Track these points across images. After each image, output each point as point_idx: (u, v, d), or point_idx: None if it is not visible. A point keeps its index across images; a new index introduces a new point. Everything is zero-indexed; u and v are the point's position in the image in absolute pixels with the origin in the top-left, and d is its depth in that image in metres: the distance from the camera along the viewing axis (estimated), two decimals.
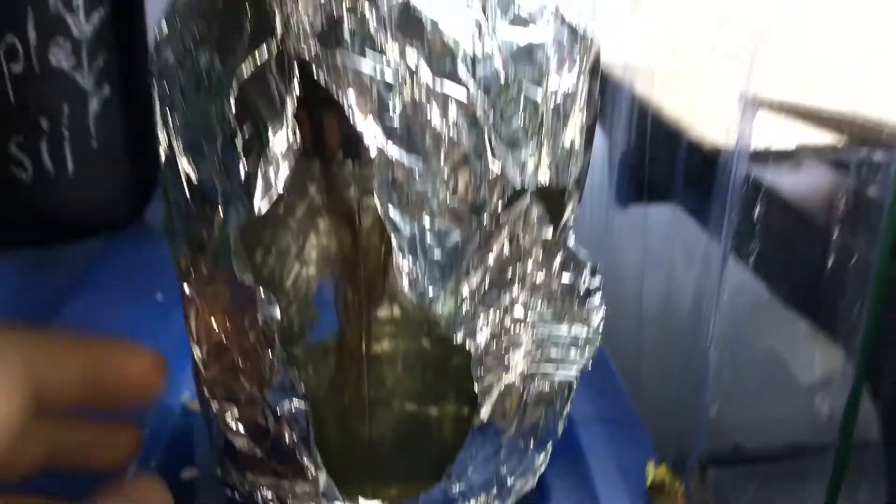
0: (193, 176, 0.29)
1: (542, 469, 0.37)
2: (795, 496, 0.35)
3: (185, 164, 0.29)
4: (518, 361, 0.31)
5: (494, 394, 0.30)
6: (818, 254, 0.32)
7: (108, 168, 0.60)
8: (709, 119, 0.39)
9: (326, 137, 0.29)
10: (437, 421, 0.40)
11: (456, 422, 0.37)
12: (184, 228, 0.30)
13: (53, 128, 0.57)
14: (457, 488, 0.33)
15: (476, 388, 0.30)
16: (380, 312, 0.42)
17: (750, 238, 0.34)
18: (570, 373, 0.33)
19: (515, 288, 0.30)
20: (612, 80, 0.55)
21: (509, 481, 0.35)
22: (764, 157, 0.38)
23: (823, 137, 0.37)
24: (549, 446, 0.36)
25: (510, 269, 0.30)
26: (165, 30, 0.31)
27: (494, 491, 0.34)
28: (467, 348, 0.30)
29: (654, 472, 0.37)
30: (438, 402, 0.40)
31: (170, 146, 0.30)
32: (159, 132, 0.31)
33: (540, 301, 0.31)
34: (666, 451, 0.40)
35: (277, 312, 0.29)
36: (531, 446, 0.34)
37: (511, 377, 0.31)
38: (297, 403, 0.30)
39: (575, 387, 0.36)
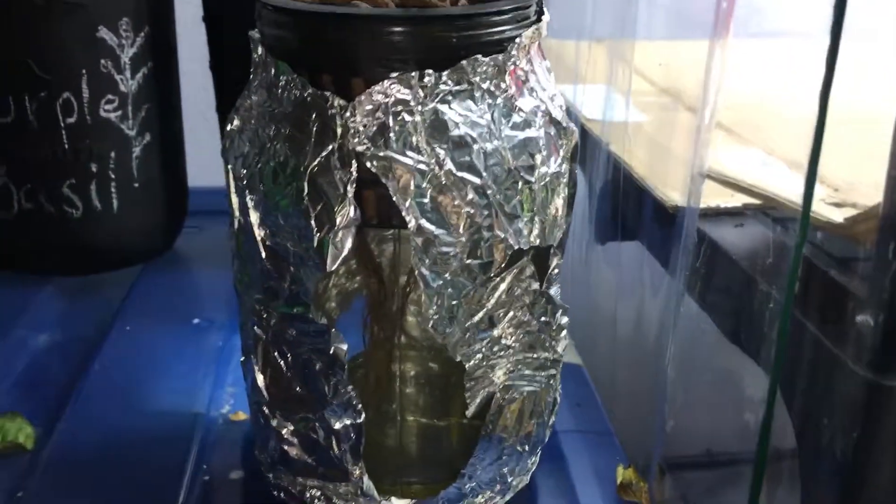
0: (269, 241, 0.36)
1: (533, 469, 0.45)
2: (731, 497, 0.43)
3: (260, 232, 0.36)
4: (499, 376, 0.39)
5: (479, 399, 0.38)
6: (746, 294, 0.40)
7: (147, 205, 0.68)
8: (668, 180, 0.47)
9: (371, 213, 0.37)
10: (449, 431, 0.48)
11: (465, 433, 0.45)
12: (258, 280, 0.37)
13: (101, 171, 0.65)
14: (469, 486, 0.41)
15: (467, 396, 0.38)
16: (401, 341, 0.50)
17: (697, 279, 0.42)
18: (537, 387, 0.41)
19: (504, 324, 0.38)
20: (591, 134, 0.63)
21: (509, 479, 0.43)
22: (713, 213, 0.46)
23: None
24: (539, 451, 0.44)
25: (503, 311, 0.38)
26: (237, 123, 0.39)
27: (498, 487, 0.42)
28: (465, 365, 0.38)
29: (622, 473, 0.45)
30: (450, 416, 0.48)
31: (242, 213, 0.38)
32: (233, 201, 0.39)
33: (522, 334, 0.39)
34: (634, 456, 0.48)
35: (345, 346, 0.36)
36: (526, 451, 0.42)
37: (493, 388, 0.39)
38: (353, 419, 0.38)
39: (559, 401, 0.44)
